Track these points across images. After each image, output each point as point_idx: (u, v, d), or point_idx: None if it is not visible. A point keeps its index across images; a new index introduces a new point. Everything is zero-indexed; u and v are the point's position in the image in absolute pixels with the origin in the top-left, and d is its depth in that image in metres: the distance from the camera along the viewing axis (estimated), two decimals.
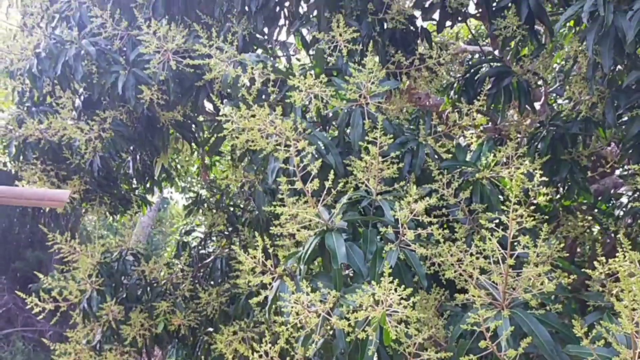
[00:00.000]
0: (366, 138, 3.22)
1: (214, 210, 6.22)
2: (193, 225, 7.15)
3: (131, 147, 5.24)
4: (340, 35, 3.54)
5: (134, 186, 6.82)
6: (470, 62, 5.27)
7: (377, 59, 3.84)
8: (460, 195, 3.51)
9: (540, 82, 4.64)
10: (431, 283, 3.02)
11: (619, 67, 3.75)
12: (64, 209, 6.14)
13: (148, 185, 7.51)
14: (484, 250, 2.67)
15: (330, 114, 3.60)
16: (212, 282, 6.29)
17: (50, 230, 5.04)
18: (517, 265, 2.91)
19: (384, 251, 2.77)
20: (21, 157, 5.66)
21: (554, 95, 5.01)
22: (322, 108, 3.41)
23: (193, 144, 5.27)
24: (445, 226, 3.63)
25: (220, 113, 3.20)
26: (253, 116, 3.17)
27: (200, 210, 6.53)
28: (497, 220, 3.32)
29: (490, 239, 2.64)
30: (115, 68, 4.07)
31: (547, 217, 4.45)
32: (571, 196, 4.43)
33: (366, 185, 3.21)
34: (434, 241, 2.91)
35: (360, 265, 2.74)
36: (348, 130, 3.51)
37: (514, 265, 2.65)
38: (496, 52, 5.23)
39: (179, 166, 5.68)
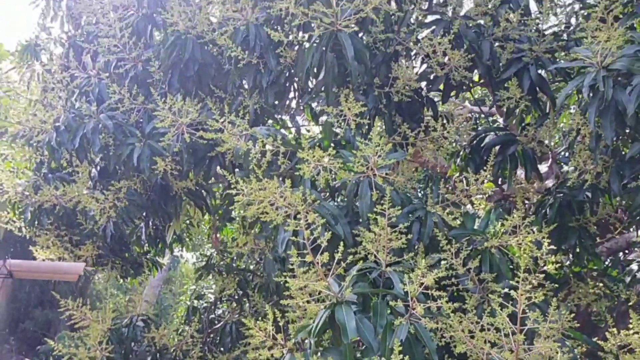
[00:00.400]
0: (374, 209, 3.29)
1: (225, 274, 6.25)
2: (203, 289, 7.17)
3: (144, 214, 5.33)
4: (349, 109, 3.67)
5: (145, 250, 6.91)
6: (475, 128, 5.38)
7: (383, 130, 3.96)
8: (469, 264, 3.53)
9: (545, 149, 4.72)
10: (443, 356, 3.01)
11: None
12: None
13: (159, 247, 7.61)
14: (494, 323, 2.68)
15: (339, 185, 3.68)
16: (222, 349, 6.25)
17: (60, 290, 5.09)
18: (529, 334, 2.92)
19: (394, 325, 2.78)
20: (36, 223, 5.79)
21: (561, 160, 5.08)
22: (331, 179, 3.50)
23: (205, 211, 5.36)
24: (455, 296, 3.64)
25: (232, 184, 3.28)
26: (263, 189, 3.26)
27: (211, 274, 6.57)
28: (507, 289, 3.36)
29: (500, 313, 2.65)
30: (131, 140, 4.23)
31: (557, 284, 4.50)
32: (581, 263, 4.43)
33: (375, 257, 3.25)
34: (445, 314, 2.92)
35: (370, 340, 2.75)
36: (356, 201, 3.58)
37: (525, 337, 2.65)
38: (502, 119, 5.37)
39: (190, 231, 5.75)
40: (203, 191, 4.96)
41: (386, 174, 3.57)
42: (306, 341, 2.97)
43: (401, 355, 2.53)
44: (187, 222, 5.64)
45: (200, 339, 5.80)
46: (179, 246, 8.25)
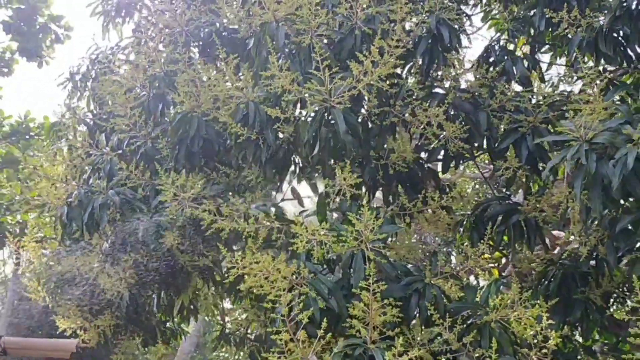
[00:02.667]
0: (366, 283, 3.32)
1: (237, 345, 6.26)
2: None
3: (155, 285, 5.45)
4: (345, 180, 3.78)
5: (163, 319, 6.99)
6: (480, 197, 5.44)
7: (380, 202, 4.04)
8: (464, 339, 3.50)
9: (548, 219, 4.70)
10: None
11: None
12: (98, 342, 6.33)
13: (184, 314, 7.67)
14: None
15: (335, 257, 3.74)
16: None
17: None
18: None
19: None
20: (58, 293, 5.94)
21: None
22: (325, 253, 3.57)
23: (212, 284, 5.45)
24: None
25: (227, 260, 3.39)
26: (257, 262, 3.34)
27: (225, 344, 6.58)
28: None
29: None
30: (137, 215, 4.41)
31: (559, 358, 4.36)
32: (588, 336, 4.32)
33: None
34: None
35: None
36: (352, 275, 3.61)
37: None
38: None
39: (198, 302, 5.84)
40: (210, 264, 5.06)
41: (383, 246, 3.61)
42: None
43: None
44: (195, 293, 5.72)
45: None
46: (209, 315, 8.31)
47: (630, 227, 3.51)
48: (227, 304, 7.93)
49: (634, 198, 3.48)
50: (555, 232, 5.71)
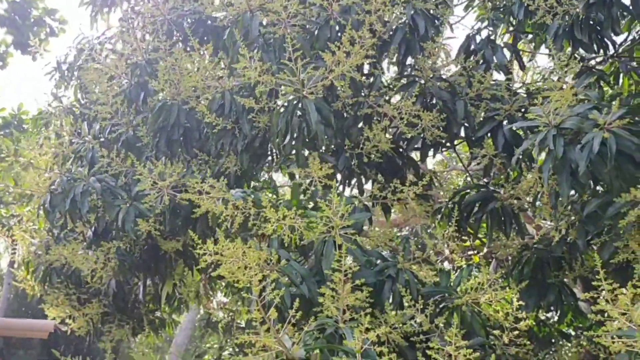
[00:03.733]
0: (338, 268, 3.38)
1: (223, 333, 6.36)
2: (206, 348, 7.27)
3: (141, 274, 5.53)
4: (318, 169, 3.83)
5: (151, 308, 7.07)
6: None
7: (354, 190, 4.09)
8: (436, 320, 3.57)
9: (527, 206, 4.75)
10: None
11: None
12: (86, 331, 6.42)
13: (175, 304, 7.75)
14: None
15: (308, 244, 3.80)
16: None
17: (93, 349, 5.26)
18: None
19: None
20: (47, 281, 6.02)
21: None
22: (298, 240, 3.63)
23: (195, 271, 5.52)
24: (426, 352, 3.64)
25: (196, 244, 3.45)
26: (227, 249, 3.40)
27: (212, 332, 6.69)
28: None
29: None
30: (118, 202, 4.47)
31: (541, 342, 4.45)
32: (562, 320, 4.38)
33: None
34: None
35: None
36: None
37: None
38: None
39: (181, 290, 5.93)
40: (191, 250, 5.13)
41: (354, 233, 3.67)
42: None
43: None
44: (179, 281, 5.80)
45: None
46: (194, 303, 8.41)
47: (597, 211, 3.56)
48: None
49: (601, 182, 3.53)
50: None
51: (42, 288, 6.14)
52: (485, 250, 5.48)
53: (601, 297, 2.80)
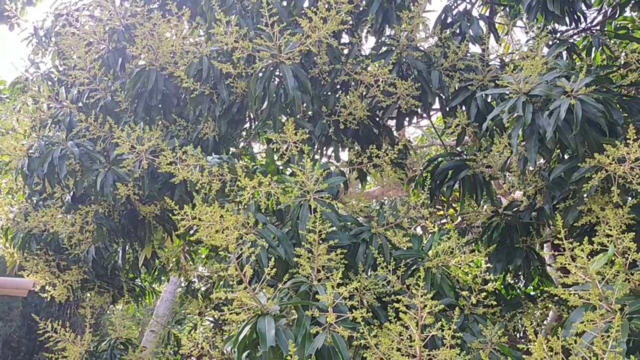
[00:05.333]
0: (313, 229, 3.49)
1: (203, 299, 6.45)
2: (184, 314, 7.36)
3: (120, 239, 5.58)
4: (295, 135, 3.90)
5: (132, 276, 7.13)
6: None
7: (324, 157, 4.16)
8: (407, 281, 3.70)
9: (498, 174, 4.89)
10: None
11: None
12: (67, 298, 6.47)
13: (156, 274, 7.81)
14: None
15: (284, 209, 3.89)
16: None
17: (74, 323, 5.31)
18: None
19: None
20: (26, 248, 6.04)
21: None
22: (275, 204, 3.72)
23: (174, 236, 5.59)
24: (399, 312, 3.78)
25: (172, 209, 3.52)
26: (205, 213, 3.47)
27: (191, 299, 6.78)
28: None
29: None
30: (96, 166, 4.51)
31: (508, 305, 4.61)
32: (528, 283, 4.55)
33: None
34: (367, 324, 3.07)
35: (286, 347, 2.91)
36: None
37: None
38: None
39: (159, 255, 6.00)
40: (170, 215, 5.20)
41: (329, 197, 3.77)
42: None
43: None
44: (158, 247, 5.86)
45: None
46: (175, 274, 8.49)
47: (563, 176, 3.69)
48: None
49: (568, 148, 3.66)
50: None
51: (22, 255, 6.16)
52: (458, 219, 5.64)
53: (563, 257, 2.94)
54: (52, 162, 4.39)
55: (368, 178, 5.32)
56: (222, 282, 6.58)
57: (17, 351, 16.46)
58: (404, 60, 4.53)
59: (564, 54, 4.76)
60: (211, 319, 6.47)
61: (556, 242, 4.30)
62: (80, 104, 5.02)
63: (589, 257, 2.74)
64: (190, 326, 8.02)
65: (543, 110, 3.53)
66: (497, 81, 4.54)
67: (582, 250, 2.68)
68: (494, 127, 4.34)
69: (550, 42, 4.73)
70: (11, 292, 4.22)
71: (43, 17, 6.49)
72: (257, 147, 5.77)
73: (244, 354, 3.14)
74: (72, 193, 5.10)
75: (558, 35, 4.99)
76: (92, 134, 4.66)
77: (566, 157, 4.03)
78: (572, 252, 2.81)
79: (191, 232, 5.52)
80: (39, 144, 4.55)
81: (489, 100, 4.55)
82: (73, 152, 4.42)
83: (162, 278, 8.88)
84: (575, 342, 2.56)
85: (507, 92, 3.68)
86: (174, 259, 6.18)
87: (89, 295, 6.75)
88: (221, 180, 3.96)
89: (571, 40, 4.89)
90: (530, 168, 3.95)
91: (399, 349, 2.96)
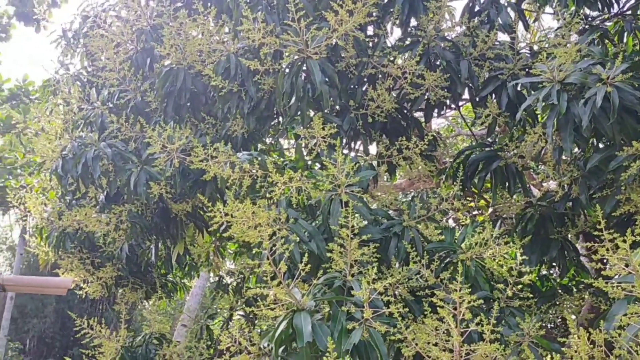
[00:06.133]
0: (344, 223, 3.48)
1: (234, 295, 6.51)
2: (216, 309, 7.43)
3: (153, 237, 5.65)
4: (321, 129, 3.89)
5: (163, 272, 7.23)
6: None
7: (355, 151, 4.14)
8: (441, 275, 3.67)
9: (532, 164, 4.82)
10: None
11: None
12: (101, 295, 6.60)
13: (186, 269, 7.91)
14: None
15: (315, 204, 3.89)
16: None
17: (107, 317, 5.41)
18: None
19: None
20: (60, 247, 6.16)
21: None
22: (305, 199, 3.72)
23: (205, 233, 5.64)
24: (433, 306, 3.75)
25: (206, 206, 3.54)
26: (237, 210, 3.49)
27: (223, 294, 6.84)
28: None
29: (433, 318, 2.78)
30: (129, 166, 4.56)
31: (544, 297, 4.55)
32: (564, 275, 4.48)
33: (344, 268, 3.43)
34: (400, 319, 3.06)
35: (326, 344, 2.91)
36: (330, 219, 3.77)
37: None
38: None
39: (191, 252, 6.07)
40: (201, 213, 5.25)
41: (359, 191, 3.76)
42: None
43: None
44: (190, 244, 5.93)
45: (208, 356, 6.00)
46: (205, 269, 8.58)
47: (600, 165, 3.61)
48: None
49: (604, 136, 3.58)
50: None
51: (56, 254, 6.28)
52: (490, 210, 5.56)
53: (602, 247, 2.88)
54: (86, 163, 4.46)
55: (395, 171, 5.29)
56: (254, 278, 6.70)
57: (52, 347, 16.88)
58: (431, 50, 4.48)
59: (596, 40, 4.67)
60: (242, 313, 6.54)
61: (594, 232, 4.24)
62: (110, 105, 5.09)
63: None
64: (221, 320, 8.09)
65: (578, 99, 3.46)
66: (528, 70, 4.47)
67: (624, 241, 2.61)
68: (526, 117, 4.27)
69: (581, 28, 4.64)
70: (53, 291, 4.33)
71: (71, 19, 6.58)
72: (285, 143, 5.77)
73: (281, 349, 3.16)
74: (105, 192, 5.17)
75: (589, 20, 4.89)
76: (124, 134, 4.72)
77: (601, 146, 3.95)
78: (611, 243, 2.75)
79: (222, 228, 5.59)
80: (73, 145, 4.62)
81: (519, 89, 4.48)
82: (106, 152, 4.49)
83: (193, 273, 9.00)
84: (619, 335, 2.50)
85: (540, 81, 3.61)
86: (204, 255, 6.24)
87: (121, 291, 6.85)
88: (252, 177, 3.97)
89: (603, 26, 4.78)
90: (565, 157, 3.87)
91: (435, 344, 2.94)
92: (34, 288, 4.41)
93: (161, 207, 5.18)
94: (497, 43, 4.67)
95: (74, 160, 4.55)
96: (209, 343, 6.26)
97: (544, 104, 3.52)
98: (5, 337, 11.88)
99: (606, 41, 4.64)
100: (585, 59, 3.57)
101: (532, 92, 4.58)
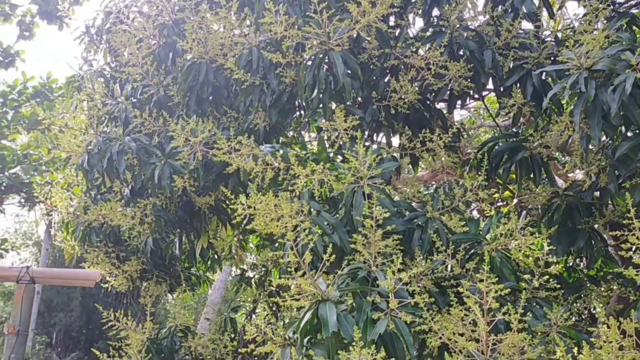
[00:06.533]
0: (367, 214, 3.47)
1: (257, 287, 6.55)
2: (240, 302, 7.49)
3: (177, 230, 5.70)
4: (345, 121, 3.88)
5: (187, 265, 7.30)
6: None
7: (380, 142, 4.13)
8: (466, 265, 3.64)
9: (557, 155, 4.75)
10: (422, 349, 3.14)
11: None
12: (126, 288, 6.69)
13: (209, 263, 7.97)
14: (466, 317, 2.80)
15: (338, 196, 3.88)
16: (256, 359, 6.51)
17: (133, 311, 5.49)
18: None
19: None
20: (86, 241, 6.25)
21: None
22: (328, 192, 3.72)
23: (228, 226, 5.67)
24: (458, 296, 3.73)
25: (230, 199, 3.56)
26: (260, 202, 3.50)
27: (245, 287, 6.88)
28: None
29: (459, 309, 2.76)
30: (153, 160, 4.61)
31: (570, 287, 4.48)
32: (591, 265, 4.41)
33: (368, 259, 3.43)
34: (424, 309, 3.04)
35: (351, 334, 2.91)
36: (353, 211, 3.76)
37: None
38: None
39: (215, 246, 6.12)
40: (224, 206, 5.28)
41: (382, 182, 3.74)
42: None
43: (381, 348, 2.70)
44: (213, 237, 5.97)
45: (232, 348, 6.06)
46: (227, 263, 8.65)
47: (629, 154, 3.54)
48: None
49: (633, 124, 3.51)
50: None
51: (82, 247, 6.37)
52: (514, 201, 5.50)
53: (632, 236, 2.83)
54: (111, 157, 4.51)
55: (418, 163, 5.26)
56: (276, 271, 6.72)
57: (77, 340, 17.16)
58: (455, 40, 4.43)
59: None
60: (264, 305, 6.58)
61: (622, 221, 4.16)
62: (134, 100, 5.13)
63: None
64: (244, 313, 8.15)
65: (606, 86, 3.40)
66: (553, 58, 4.40)
67: None
68: (552, 106, 4.20)
69: (609, 15, 4.54)
70: (81, 282, 4.40)
71: (93, 16, 6.64)
72: (307, 136, 5.77)
73: (306, 339, 3.17)
74: (130, 186, 5.23)
75: (616, 6, 4.79)
76: (148, 128, 4.77)
77: (630, 134, 3.87)
78: None
79: (244, 221, 5.62)
80: (98, 140, 4.68)
81: (544, 78, 4.41)
82: (131, 147, 4.53)
83: (215, 267, 9.06)
84: None
85: (567, 68, 3.55)
86: (227, 249, 6.28)
87: (146, 284, 6.93)
88: (274, 169, 3.98)
89: (631, 12, 4.67)
90: (591, 147, 3.80)
91: (462, 334, 2.93)
92: (62, 280, 4.50)
93: (185, 201, 5.22)
94: (521, 32, 4.61)
95: (99, 154, 4.61)
96: (233, 335, 6.31)
97: (571, 92, 3.46)
98: (32, 331, 12.14)
99: (634, 27, 4.53)
100: (614, 45, 3.50)
101: (558, 81, 4.53)
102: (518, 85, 4.48)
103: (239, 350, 6.23)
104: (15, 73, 17.09)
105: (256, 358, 6.42)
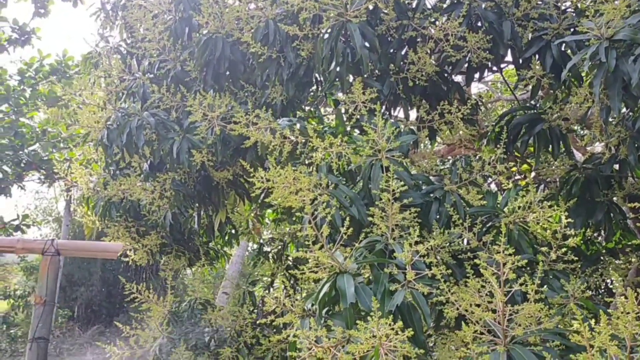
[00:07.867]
0: (385, 187, 3.48)
1: (274, 261, 6.63)
2: (258, 275, 7.59)
3: (195, 205, 5.77)
4: (363, 94, 3.87)
5: (205, 240, 7.40)
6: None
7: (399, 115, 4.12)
8: (483, 238, 3.65)
9: (576, 127, 4.71)
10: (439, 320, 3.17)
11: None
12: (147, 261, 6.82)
13: (227, 238, 8.07)
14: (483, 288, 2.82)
15: (355, 169, 3.89)
16: (274, 330, 6.62)
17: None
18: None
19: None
20: (106, 215, 6.35)
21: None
22: (345, 164, 3.73)
23: (246, 200, 5.73)
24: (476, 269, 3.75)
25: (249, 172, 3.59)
26: (279, 175, 3.53)
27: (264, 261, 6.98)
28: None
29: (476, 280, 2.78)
30: (171, 135, 4.65)
31: (588, 260, 4.49)
32: (610, 238, 4.40)
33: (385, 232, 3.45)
34: (441, 280, 3.07)
35: (369, 305, 2.96)
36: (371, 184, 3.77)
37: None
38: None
39: (232, 220, 6.18)
40: (242, 180, 5.32)
41: (400, 155, 3.74)
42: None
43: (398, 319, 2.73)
44: (231, 211, 6.03)
45: (251, 320, 6.17)
46: (245, 237, 8.74)
47: None
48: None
49: None
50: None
51: (103, 222, 6.47)
52: (533, 174, 5.48)
53: None
54: (130, 133, 4.56)
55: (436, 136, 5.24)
56: (292, 246, 6.79)
57: (99, 314, 17.56)
58: (473, 11, 4.38)
59: None
60: (282, 279, 6.67)
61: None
62: (151, 75, 5.16)
63: None
64: (262, 287, 8.27)
65: (627, 56, 3.34)
66: (573, 29, 4.33)
67: None
68: (571, 78, 4.15)
69: None
70: (104, 254, 4.52)
71: None
72: (323, 110, 5.77)
73: (324, 310, 3.22)
74: (149, 161, 5.29)
75: None
76: (165, 104, 4.79)
77: None
78: None
79: (262, 195, 5.66)
80: (116, 115, 4.72)
81: (564, 49, 4.35)
82: (149, 122, 4.57)
83: (233, 242, 9.17)
84: None
85: (587, 39, 3.50)
86: (244, 223, 6.34)
87: (165, 259, 7.05)
88: (292, 143, 4.00)
89: None
90: (611, 119, 3.76)
91: (478, 305, 2.95)
92: (86, 252, 4.62)
93: (203, 175, 5.27)
94: (540, 2, 4.53)
95: (118, 130, 4.66)
96: (252, 308, 6.42)
97: (590, 62, 3.41)
98: (55, 304, 12.42)
99: None
100: (635, 14, 3.44)
101: (578, 52, 4.47)
102: (537, 56, 4.43)
103: (258, 321, 6.34)
104: (32, 51, 17.24)
105: (274, 330, 6.54)
